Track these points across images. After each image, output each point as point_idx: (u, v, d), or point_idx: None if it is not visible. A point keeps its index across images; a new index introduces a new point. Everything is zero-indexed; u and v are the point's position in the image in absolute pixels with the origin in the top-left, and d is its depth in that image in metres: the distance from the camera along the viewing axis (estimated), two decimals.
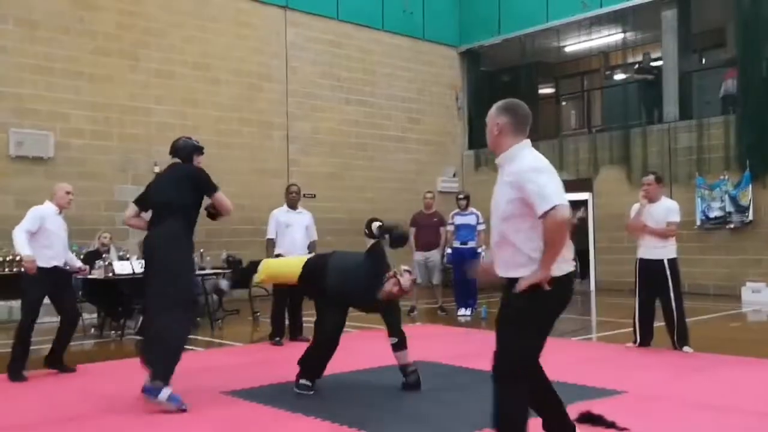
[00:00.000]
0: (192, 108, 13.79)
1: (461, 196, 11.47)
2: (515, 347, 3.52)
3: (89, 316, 10.19)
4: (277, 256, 8.20)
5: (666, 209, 7.25)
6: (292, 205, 8.55)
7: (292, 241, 8.24)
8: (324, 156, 15.68)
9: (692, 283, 13.09)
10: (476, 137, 18.47)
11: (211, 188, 5.77)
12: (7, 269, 10.94)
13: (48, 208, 6.66)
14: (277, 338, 8.10)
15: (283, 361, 7.01)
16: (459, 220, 11.04)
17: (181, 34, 13.71)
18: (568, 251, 3.42)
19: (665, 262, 7.15)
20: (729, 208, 13.59)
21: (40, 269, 6.38)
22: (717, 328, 9.36)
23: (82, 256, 10.81)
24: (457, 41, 18.47)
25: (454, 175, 18.20)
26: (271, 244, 8.48)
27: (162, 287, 5.22)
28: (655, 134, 14.89)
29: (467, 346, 7.84)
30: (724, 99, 14.50)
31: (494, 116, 3.73)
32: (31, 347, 9.14)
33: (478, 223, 10.97)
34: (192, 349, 8.16)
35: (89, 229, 11.06)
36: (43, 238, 6.45)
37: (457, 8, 18.39)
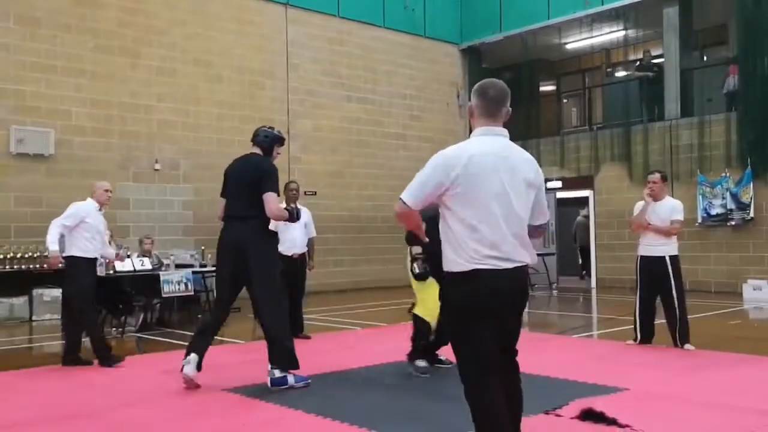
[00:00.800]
0: (193, 105, 13.79)
1: None
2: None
3: None
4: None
5: (670, 207, 7.24)
6: (292, 203, 8.52)
7: (291, 238, 8.23)
8: (325, 153, 15.68)
9: (693, 281, 13.10)
10: None
11: (265, 187, 5.63)
12: (8, 266, 10.96)
13: (89, 204, 7.00)
14: None
15: None
16: None
17: (182, 31, 13.71)
18: (489, 249, 3.19)
19: (667, 259, 7.15)
20: (730, 205, 13.58)
21: (85, 259, 6.79)
22: (718, 326, 9.36)
23: None
24: (459, 38, 18.45)
25: None
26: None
27: (261, 281, 5.57)
28: (657, 132, 14.88)
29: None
30: (727, 95, 14.48)
31: (470, 98, 3.46)
32: (33, 344, 9.19)
33: None
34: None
35: None
36: (85, 232, 6.81)
37: (459, 5, 18.37)
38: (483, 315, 3.24)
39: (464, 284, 3.23)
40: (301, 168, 14.98)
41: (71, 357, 6.82)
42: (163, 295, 9.36)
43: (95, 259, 7.04)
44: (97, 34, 12.66)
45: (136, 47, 13.10)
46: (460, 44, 18.45)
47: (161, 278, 9.24)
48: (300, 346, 7.73)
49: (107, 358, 6.74)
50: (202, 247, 11.79)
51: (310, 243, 8.59)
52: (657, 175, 7.36)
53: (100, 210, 7.05)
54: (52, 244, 6.76)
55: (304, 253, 8.41)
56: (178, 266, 10.31)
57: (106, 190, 7.09)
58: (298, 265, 8.30)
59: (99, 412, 5.03)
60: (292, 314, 8.33)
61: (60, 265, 6.87)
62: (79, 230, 6.80)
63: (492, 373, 3.32)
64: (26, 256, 11.15)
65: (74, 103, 12.34)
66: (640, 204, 7.39)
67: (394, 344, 7.81)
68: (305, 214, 8.58)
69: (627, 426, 4.23)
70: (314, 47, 15.68)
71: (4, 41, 11.69)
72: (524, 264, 3.29)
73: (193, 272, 10.00)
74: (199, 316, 10.70)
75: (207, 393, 5.57)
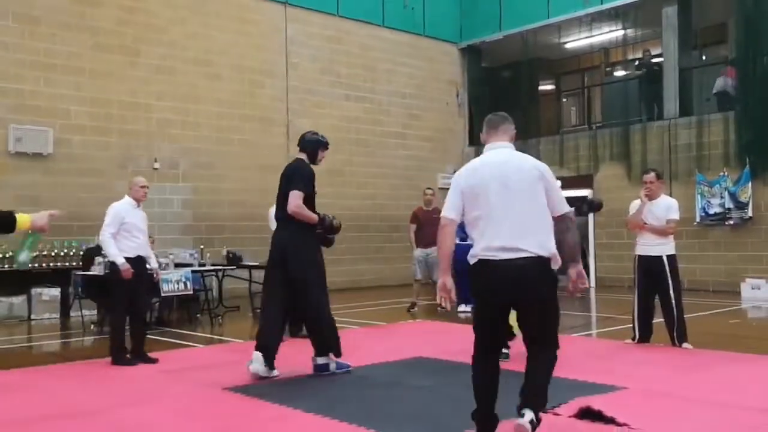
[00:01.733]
0: (193, 104, 13.79)
1: None
2: None
3: (89, 312, 10.23)
4: None
5: (666, 206, 7.26)
6: None
7: None
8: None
9: (692, 280, 13.11)
10: (477, 134, 18.39)
11: (291, 184, 6.12)
12: (7, 266, 10.96)
13: (126, 203, 6.95)
14: None
15: (283, 357, 7.02)
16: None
17: (182, 30, 13.70)
18: (487, 243, 3.88)
19: (664, 258, 7.16)
20: (728, 204, 13.60)
21: (127, 260, 6.70)
22: (716, 325, 9.38)
23: (82, 252, 10.87)
24: (458, 37, 18.45)
25: (454, 172, 18.18)
26: None
27: (300, 280, 5.99)
28: (655, 131, 14.89)
29: (467, 342, 7.84)
30: (717, 95, 14.53)
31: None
32: (32, 343, 9.19)
33: None
34: (193, 346, 8.19)
35: (89, 225, 11.03)
36: (125, 232, 6.77)
37: (458, 4, 18.37)
38: (483, 301, 3.99)
39: (472, 275, 3.98)
40: None
41: (136, 355, 6.79)
42: (162, 294, 9.36)
43: (138, 258, 6.84)
44: (97, 32, 12.66)
45: (135, 46, 13.10)
46: (460, 43, 18.45)
47: (162, 277, 9.24)
48: (298, 346, 7.75)
49: (119, 358, 6.69)
50: (201, 246, 11.79)
51: None
52: (652, 175, 7.36)
53: (138, 206, 6.98)
54: (118, 257, 6.65)
55: None
56: (177, 265, 10.31)
57: (142, 186, 7.02)
58: None
59: (98, 411, 5.03)
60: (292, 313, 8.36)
61: (130, 276, 6.66)
62: (122, 232, 6.76)
63: (487, 353, 3.99)
64: None
65: (73, 101, 12.34)
66: (636, 203, 7.40)
67: (393, 343, 7.83)
68: None
69: (625, 425, 4.24)
70: (313, 46, 15.67)
71: (2, 39, 11.68)
72: (527, 255, 3.77)
73: (192, 271, 10.00)
74: (198, 315, 10.72)
75: (206, 392, 5.58)
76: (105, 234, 6.74)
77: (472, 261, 3.95)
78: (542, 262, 3.81)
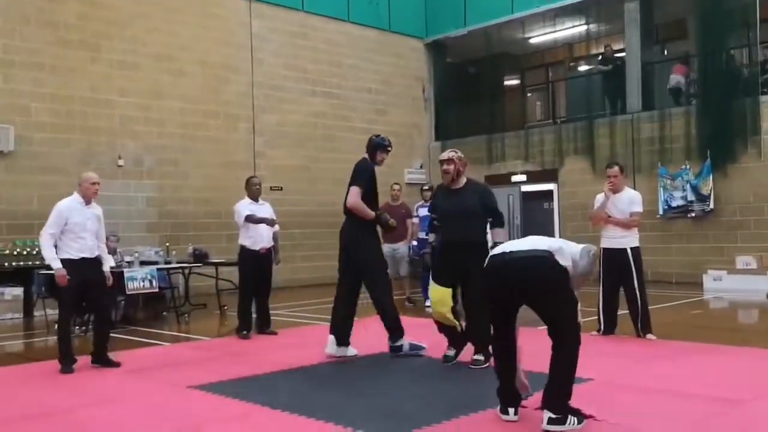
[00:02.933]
0: (156, 100, 13.62)
1: (426, 187, 11.50)
2: None
3: (53, 311, 10.04)
4: (242, 247, 8.20)
5: (629, 199, 7.35)
6: (255, 198, 8.47)
7: (258, 233, 8.21)
8: (290, 148, 15.61)
9: (655, 272, 13.34)
10: (443, 129, 18.54)
11: (353, 181, 6.81)
12: None
13: (73, 200, 6.51)
14: (244, 332, 8.06)
15: (250, 355, 6.99)
16: (423, 211, 11.01)
17: (144, 25, 13.52)
18: None
19: (628, 251, 7.26)
20: (690, 197, 13.84)
21: (69, 261, 6.30)
22: (679, 316, 9.54)
23: None
24: (423, 33, 18.49)
25: (421, 167, 18.25)
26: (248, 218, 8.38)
27: (364, 271, 6.66)
28: (619, 125, 15.09)
29: (435, 336, 7.87)
30: (671, 91, 14.81)
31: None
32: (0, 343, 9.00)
33: None
34: (159, 344, 8.10)
35: None
36: (71, 233, 6.34)
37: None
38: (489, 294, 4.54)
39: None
40: (266, 163, 14.91)
41: (97, 358, 6.51)
42: (128, 292, 9.25)
43: (82, 260, 6.37)
44: (57, 27, 12.43)
45: (96, 41, 12.89)
46: (425, 38, 18.49)
47: (125, 275, 9.13)
48: (266, 342, 7.73)
49: (64, 365, 6.33)
50: (167, 244, 11.67)
51: (275, 237, 8.55)
52: (615, 168, 7.45)
53: (87, 204, 6.51)
54: (54, 261, 6.23)
55: (270, 248, 8.37)
56: (143, 263, 10.19)
57: (93, 183, 6.55)
58: (265, 259, 8.27)
59: (61, 411, 4.96)
60: (259, 310, 8.34)
61: (65, 283, 6.27)
62: (65, 232, 6.31)
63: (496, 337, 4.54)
64: None
65: (33, 98, 12.11)
66: (600, 197, 7.48)
67: (359, 339, 7.82)
68: (268, 209, 8.56)
69: (590, 416, 4.29)
70: (279, 41, 15.58)
71: None
72: (524, 251, 4.32)
73: (158, 269, 9.90)
74: (165, 313, 10.62)
75: (172, 390, 5.53)
76: (44, 234, 6.32)
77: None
78: (535, 257, 4.41)
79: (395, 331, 6.66)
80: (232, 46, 14.84)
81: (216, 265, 11.03)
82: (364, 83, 17.14)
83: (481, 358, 5.96)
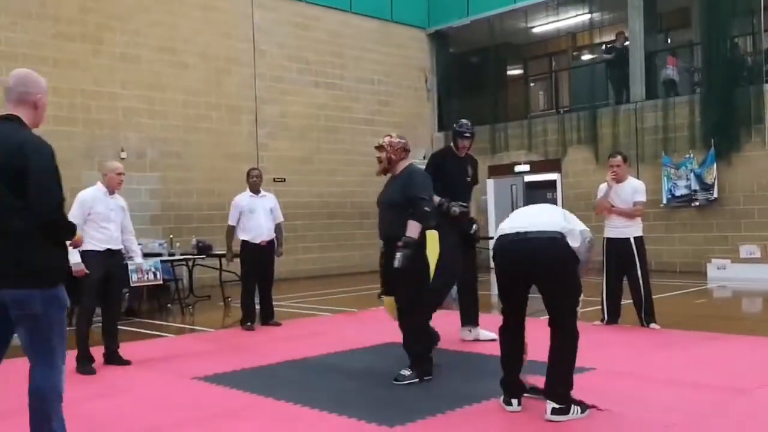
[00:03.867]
0: (159, 92, 13.61)
1: None
2: None
3: None
4: (244, 242, 8.17)
5: (633, 189, 7.34)
6: (255, 190, 8.42)
7: (257, 225, 8.16)
8: (293, 140, 15.60)
9: (659, 261, 13.33)
10: (445, 119, 18.50)
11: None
12: None
13: (97, 189, 6.29)
14: (249, 323, 8.08)
15: (255, 346, 7.01)
16: None
17: (146, 17, 13.50)
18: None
19: (632, 240, 7.26)
20: (694, 186, 13.80)
21: (92, 252, 6.04)
22: (683, 305, 9.53)
23: None
24: (426, 23, 18.43)
25: (424, 157, 18.20)
26: (231, 231, 8.33)
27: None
28: (622, 114, 15.05)
29: (437, 327, 7.87)
30: (665, 84, 14.80)
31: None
32: None
33: None
34: (164, 336, 8.13)
35: None
36: (93, 223, 6.12)
37: None
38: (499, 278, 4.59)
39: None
40: (269, 155, 14.90)
41: (110, 356, 6.25)
42: (132, 285, 9.25)
43: (107, 251, 6.16)
44: (59, 20, 12.42)
45: (98, 33, 12.88)
46: (428, 29, 18.43)
47: (129, 267, 9.13)
48: (270, 333, 7.74)
49: (82, 366, 6.01)
50: (170, 236, 11.69)
51: (278, 229, 8.51)
52: (618, 158, 7.44)
53: (111, 195, 6.30)
54: (73, 254, 5.69)
55: (271, 240, 8.32)
56: (146, 255, 10.20)
57: (119, 173, 6.34)
58: (266, 252, 8.24)
59: (67, 403, 4.96)
60: (263, 301, 8.35)
61: (82, 275, 5.95)
62: (88, 222, 6.08)
63: (504, 326, 4.52)
64: None
65: None
66: (603, 187, 7.47)
67: (363, 330, 7.85)
68: (271, 200, 8.53)
69: (593, 406, 4.30)
70: (281, 33, 15.55)
71: None
72: (536, 232, 4.23)
73: (162, 261, 9.90)
74: (169, 305, 10.64)
75: (177, 382, 5.56)
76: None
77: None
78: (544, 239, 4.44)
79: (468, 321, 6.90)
80: (234, 38, 14.82)
81: (220, 256, 11.02)
82: (367, 74, 17.10)
83: (406, 372, 5.19)
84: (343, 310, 9.85)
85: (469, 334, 6.86)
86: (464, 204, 6.47)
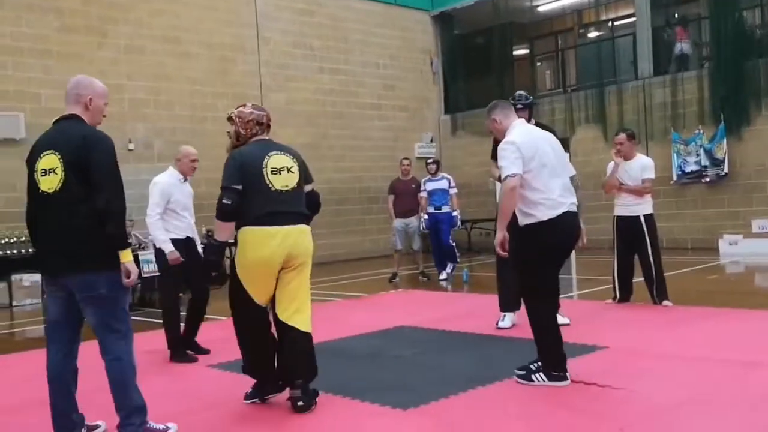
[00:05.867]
0: (165, 83, 13.61)
1: (431, 161, 11.42)
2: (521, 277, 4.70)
3: None
4: None
5: (641, 166, 7.30)
6: None
7: None
8: (300, 126, 15.57)
9: (670, 238, 13.27)
10: (452, 102, 18.43)
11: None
12: None
13: (171, 175, 6.16)
14: None
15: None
16: (431, 185, 11.01)
17: (148, 7, 13.46)
18: (558, 196, 4.52)
19: (642, 218, 7.22)
20: (704, 162, 13.71)
21: (175, 242, 5.92)
22: (695, 281, 9.50)
23: None
24: (429, 5, 18.32)
25: (432, 141, 18.18)
26: None
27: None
28: (630, 91, 14.94)
29: (449, 309, 7.91)
30: (678, 59, 14.65)
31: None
32: (14, 330, 9.12)
33: (450, 187, 10.95)
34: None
35: None
36: (171, 210, 5.99)
37: None
38: (563, 249, 4.82)
39: (554, 225, 4.54)
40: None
41: (185, 351, 6.03)
42: (143, 275, 9.32)
43: (187, 240, 6.05)
44: (62, 13, 12.41)
45: (101, 25, 12.86)
46: (432, 11, 18.33)
47: (140, 258, 9.19)
48: None
49: (179, 355, 5.94)
50: None
51: None
52: (622, 135, 7.39)
53: (185, 181, 6.19)
54: (166, 244, 5.78)
55: None
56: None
57: (193, 160, 6.20)
58: None
59: (83, 393, 5.00)
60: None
61: (178, 263, 5.86)
62: (167, 211, 5.96)
63: (552, 299, 4.84)
64: (3, 241, 11.04)
65: (43, 85, 12.13)
66: (611, 165, 7.43)
67: (375, 314, 7.87)
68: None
69: (607, 386, 4.29)
70: (284, 19, 15.49)
71: None
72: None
73: None
74: (181, 294, 10.66)
75: (190, 370, 5.59)
76: (152, 215, 5.89)
77: (554, 213, 4.46)
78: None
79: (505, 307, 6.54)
80: (237, 26, 14.77)
81: (230, 245, 11.04)
82: (372, 58, 17.03)
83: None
84: (353, 296, 9.87)
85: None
86: None
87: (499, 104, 4.96)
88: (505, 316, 6.49)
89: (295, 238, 4.26)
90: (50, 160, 3.69)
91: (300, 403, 4.21)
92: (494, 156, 6.36)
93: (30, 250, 11.17)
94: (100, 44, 12.82)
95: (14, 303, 10.84)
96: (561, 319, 6.28)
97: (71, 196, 3.57)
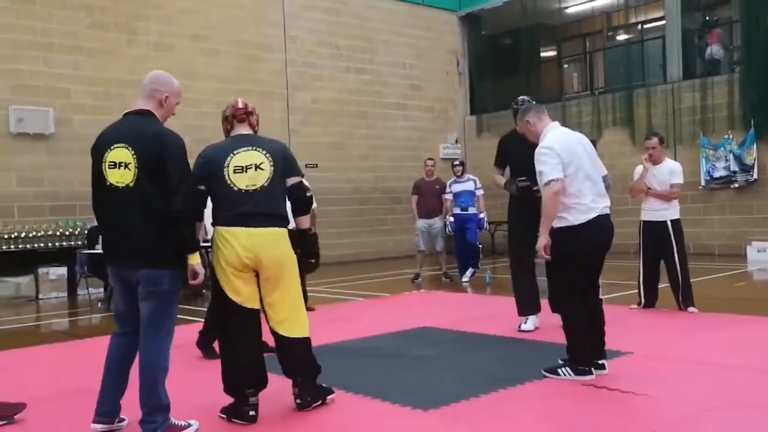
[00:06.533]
0: (192, 80, 13.67)
1: (456, 162, 11.37)
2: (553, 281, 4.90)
3: (96, 290, 10.28)
4: None
5: (670, 170, 7.21)
6: None
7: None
8: (325, 125, 15.62)
9: (697, 244, 13.11)
10: (478, 103, 18.37)
11: None
12: (12, 246, 11.00)
13: None
14: None
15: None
16: (457, 187, 10.96)
17: (178, 5, 13.58)
18: (591, 201, 4.59)
19: (669, 223, 7.14)
20: (734, 167, 13.53)
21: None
22: (722, 288, 9.37)
23: (86, 231, 10.90)
24: (457, 5, 18.27)
25: (456, 142, 18.14)
26: None
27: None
28: (659, 95, 14.78)
29: (472, 311, 7.87)
30: (710, 63, 14.46)
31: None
32: (40, 322, 9.25)
33: (476, 188, 10.90)
34: (199, 321, 8.21)
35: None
36: None
37: None
38: (598, 251, 4.83)
39: (588, 229, 4.65)
40: (301, 141, 14.93)
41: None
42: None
43: None
44: (93, 10, 12.55)
45: (131, 23, 12.99)
46: (459, 11, 18.27)
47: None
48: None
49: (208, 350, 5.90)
50: (205, 223, 11.79)
51: (312, 214, 8.50)
52: (654, 140, 7.30)
53: None
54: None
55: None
56: None
57: None
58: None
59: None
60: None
61: None
62: None
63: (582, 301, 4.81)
64: (30, 235, 11.19)
65: (72, 81, 12.28)
66: (639, 169, 7.35)
67: (397, 314, 7.86)
68: None
69: (630, 391, 4.25)
70: (311, 18, 15.54)
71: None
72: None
73: None
74: (204, 291, 10.75)
75: (213, 366, 5.60)
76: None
77: (586, 217, 4.55)
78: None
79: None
80: (264, 25, 14.84)
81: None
82: (398, 58, 17.03)
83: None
84: (375, 295, 9.87)
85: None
86: (522, 179, 6.15)
87: (532, 106, 5.06)
88: (527, 319, 6.45)
89: (261, 241, 3.97)
90: (122, 153, 3.68)
91: (298, 401, 4.21)
92: (498, 163, 6.44)
93: (57, 243, 11.34)
94: (129, 41, 12.95)
95: (40, 296, 10.99)
96: None
97: (143, 193, 3.60)
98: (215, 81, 14.00)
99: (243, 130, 4.37)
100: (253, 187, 4.03)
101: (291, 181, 4.20)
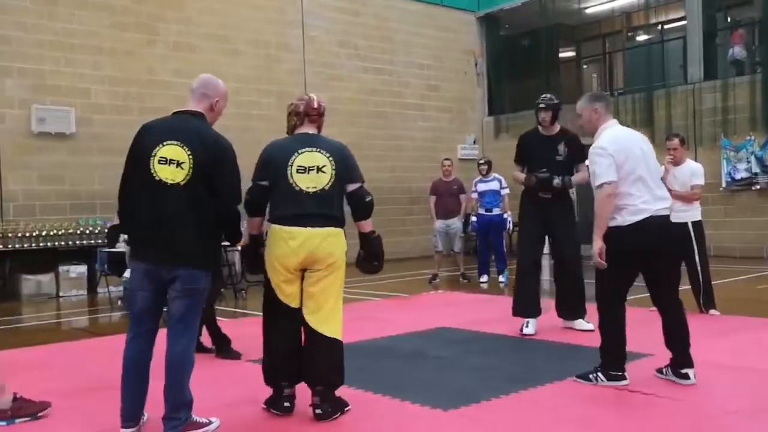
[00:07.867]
0: None
1: (482, 161, 11.27)
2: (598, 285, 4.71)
3: (115, 288, 10.35)
4: None
5: (691, 172, 7.15)
6: None
7: None
8: (343, 125, 15.58)
9: (718, 246, 12.97)
10: (496, 103, 18.31)
11: None
12: (34, 244, 11.11)
13: None
14: None
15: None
16: (482, 186, 10.85)
17: (198, 5, 13.65)
18: (642, 203, 4.47)
19: (690, 225, 7.07)
20: (755, 169, 13.40)
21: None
22: (743, 290, 9.28)
23: (106, 230, 10.96)
24: (475, 6, 18.23)
25: (474, 142, 18.09)
26: None
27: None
28: (679, 96, 14.66)
29: (489, 312, 7.85)
30: (734, 64, 14.32)
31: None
32: (61, 320, 9.32)
33: (501, 188, 10.77)
34: (218, 320, 8.24)
35: (112, 204, 11.11)
36: None
37: None
38: (644, 252, 4.63)
39: (640, 229, 4.54)
40: None
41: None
42: None
43: None
44: (114, 10, 12.64)
45: (151, 23, 13.08)
46: (477, 12, 18.23)
47: None
48: None
49: (225, 349, 6.01)
50: None
51: None
52: (676, 141, 7.25)
53: None
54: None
55: None
56: None
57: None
58: None
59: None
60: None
61: None
62: None
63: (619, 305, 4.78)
64: (51, 233, 11.28)
65: (93, 81, 12.37)
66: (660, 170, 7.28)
67: (415, 314, 7.85)
68: None
69: (652, 394, 4.22)
70: (329, 18, 15.56)
71: (21, 20, 11.70)
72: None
73: None
74: (222, 290, 10.79)
75: (231, 365, 5.64)
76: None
77: (635, 218, 4.43)
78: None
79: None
80: (283, 25, 14.89)
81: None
82: (416, 58, 17.01)
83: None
84: (393, 295, 9.86)
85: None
86: (542, 171, 6.20)
87: (605, 96, 5.01)
88: (528, 322, 6.40)
89: (318, 241, 4.04)
90: (175, 151, 3.68)
91: (318, 411, 4.08)
92: (518, 159, 6.42)
93: (77, 242, 11.43)
94: (149, 41, 13.03)
95: (61, 294, 11.09)
96: (586, 325, 6.23)
97: (194, 193, 3.62)
98: (234, 81, 14.01)
99: (310, 129, 4.45)
100: (314, 189, 4.08)
101: (351, 187, 4.25)
